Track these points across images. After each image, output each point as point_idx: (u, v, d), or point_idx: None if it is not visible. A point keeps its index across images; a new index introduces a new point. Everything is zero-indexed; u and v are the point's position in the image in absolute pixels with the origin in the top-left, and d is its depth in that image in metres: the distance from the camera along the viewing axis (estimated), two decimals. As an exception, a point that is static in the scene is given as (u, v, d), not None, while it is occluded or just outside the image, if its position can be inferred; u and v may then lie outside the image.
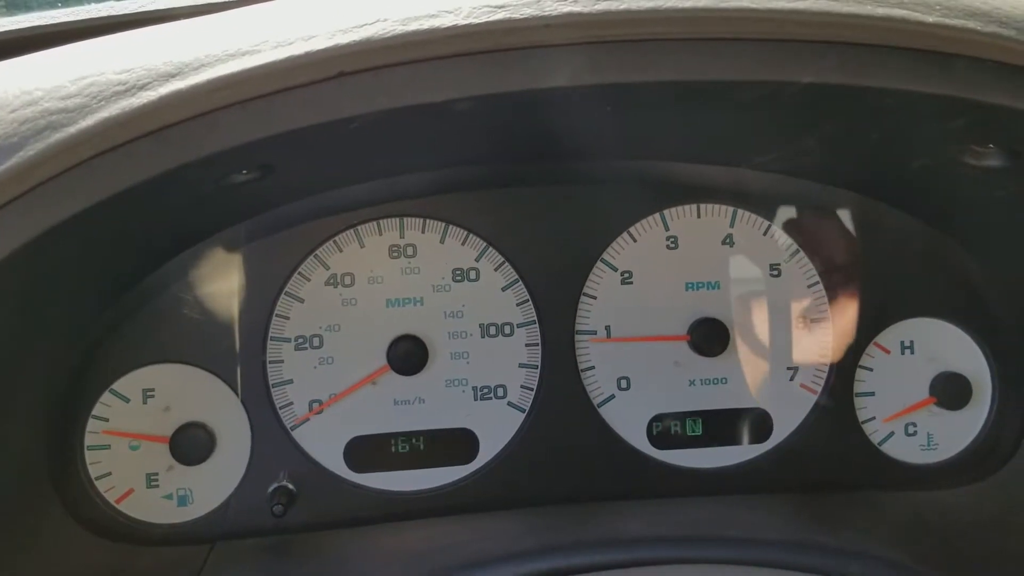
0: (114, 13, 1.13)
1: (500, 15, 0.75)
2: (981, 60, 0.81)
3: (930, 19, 0.78)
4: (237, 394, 1.24)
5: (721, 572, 0.98)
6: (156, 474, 1.23)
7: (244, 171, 0.92)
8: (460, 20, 0.75)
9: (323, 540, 1.21)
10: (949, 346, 1.31)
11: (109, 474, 1.21)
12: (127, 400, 1.22)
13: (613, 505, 1.24)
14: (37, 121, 0.72)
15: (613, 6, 0.75)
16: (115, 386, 1.22)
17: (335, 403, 1.25)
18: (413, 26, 0.75)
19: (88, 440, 1.21)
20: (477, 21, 0.75)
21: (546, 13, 0.75)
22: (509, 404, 1.28)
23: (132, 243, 1.06)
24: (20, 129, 0.72)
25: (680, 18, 0.76)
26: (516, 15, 0.75)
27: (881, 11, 0.78)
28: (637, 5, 0.75)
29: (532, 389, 1.28)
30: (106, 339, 1.20)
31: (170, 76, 0.74)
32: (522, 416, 1.28)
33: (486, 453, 1.28)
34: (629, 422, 1.30)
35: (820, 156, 1.16)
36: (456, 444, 1.28)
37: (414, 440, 1.27)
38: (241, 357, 1.24)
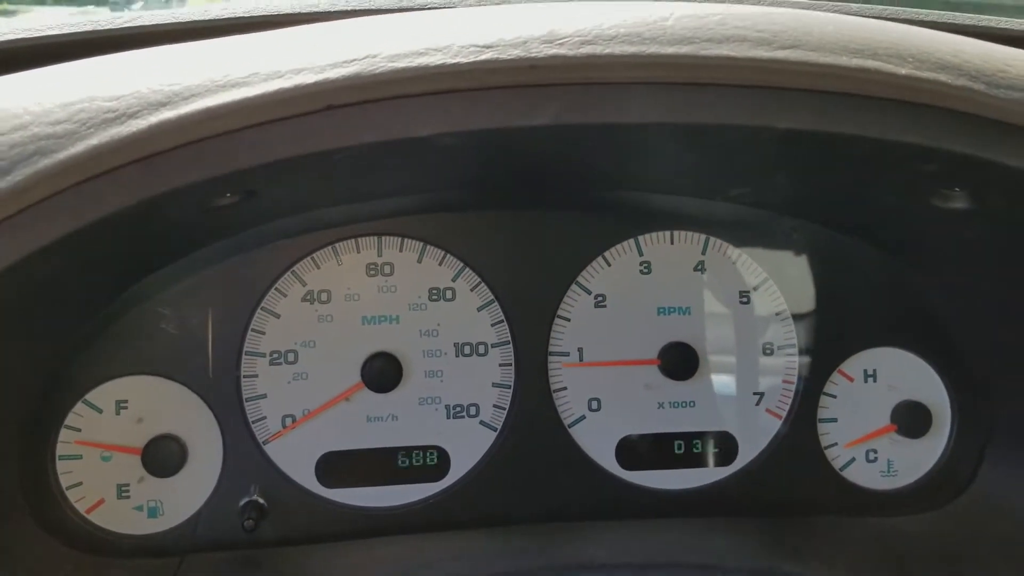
0: (110, 27, 1.12)
1: (487, 55, 0.77)
2: (951, 111, 0.83)
3: (902, 71, 0.81)
4: (210, 408, 1.25)
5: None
6: (127, 485, 1.23)
7: (228, 195, 0.93)
8: (448, 59, 0.77)
9: (293, 555, 1.22)
10: (910, 375, 1.35)
11: (80, 484, 1.21)
12: (100, 411, 1.22)
13: (581, 525, 1.26)
14: (26, 146, 0.73)
15: (597, 50, 0.77)
16: (88, 396, 1.21)
17: (308, 419, 1.26)
18: (402, 63, 0.77)
19: (60, 450, 1.20)
20: (465, 60, 0.77)
21: (532, 55, 0.77)
22: (481, 423, 1.30)
23: (112, 261, 1.07)
24: (9, 153, 0.73)
25: (662, 64, 0.78)
26: (503, 55, 0.77)
27: (855, 62, 0.81)
28: (621, 50, 0.77)
29: (504, 408, 1.30)
30: (81, 350, 1.20)
31: (160, 105, 0.75)
32: (494, 435, 1.30)
33: (457, 471, 1.29)
34: (598, 443, 1.32)
35: (791, 192, 1.19)
36: (427, 462, 1.29)
37: (385, 457, 1.28)
38: (215, 371, 1.24)
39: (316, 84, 0.76)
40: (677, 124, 0.82)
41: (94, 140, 0.73)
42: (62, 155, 0.72)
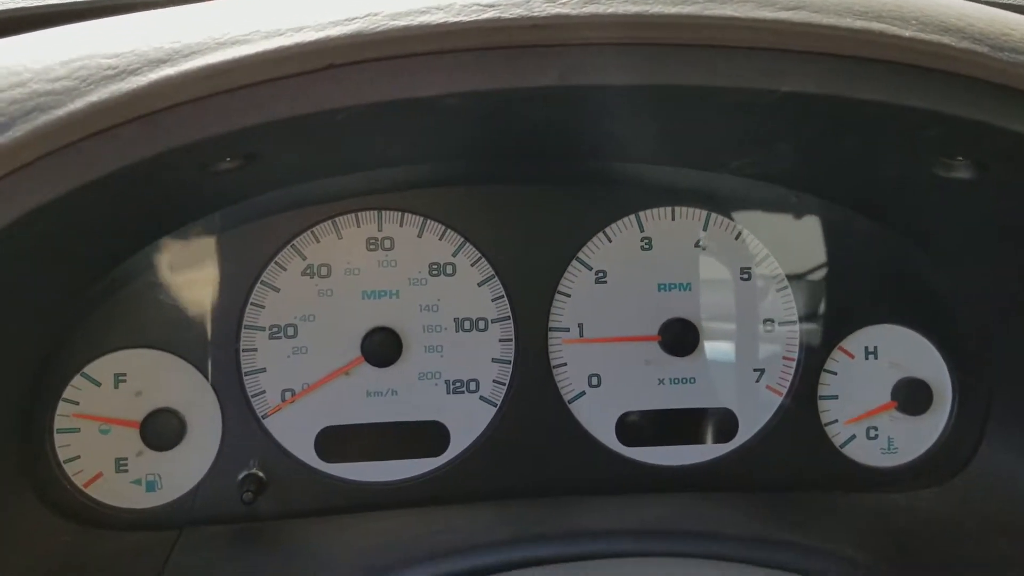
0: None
1: (489, 14, 0.76)
2: (955, 75, 0.83)
3: (906, 33, 0.80)
4: (209, 381, 1.24)
5: (682, 566, 1.00)
6: (125, 459, 1.23)
7: (228, 159, 0.92)
8: (450, 17, 0.76)
9: (292, 528, 1.22)
10: (911, 353, 1.35)
11: (78, 457, 1.21)
12: (98, 384, 1.22)
13: (580, 500, 1.26)
14: (26, 103, 0.72)
15: (600, 9, 0.77)
16: (87, 370, 1.21)
17: (308, 393, 1.26)
18: (403, 21, 0.76)
19: (58, 423, 1.20)
20: (467, 19, 0.76)
21: (534, 14, 0.76)
22: (481, 398, 1.30)
23: (110, 227, 1.06)
24: (8, 110, 0.72)
25: (663, 24, 0.78)
26: (505, 15, 0.76)
27: (859, 24, 0.80)
28: (624, 9, 0.77)
29: (504, 384, 1.30)
30: (79, 322, 1.20)
31: (160, 62, 0.74)
32: (493, 410, 1.30)
33: (457, 446, 1.29)
34: (598, 419, 1.32)
35: (793, 163, 1.18)
36: (427, 437, 1.29)
37: (385, 431, 1.28)
38: (214, 344, 1.24)
39: (317, 42, 0.75)
40: (680, 86, 0.81)
41: (94, 97, 0.73)
42: (61, 112, 0.72)
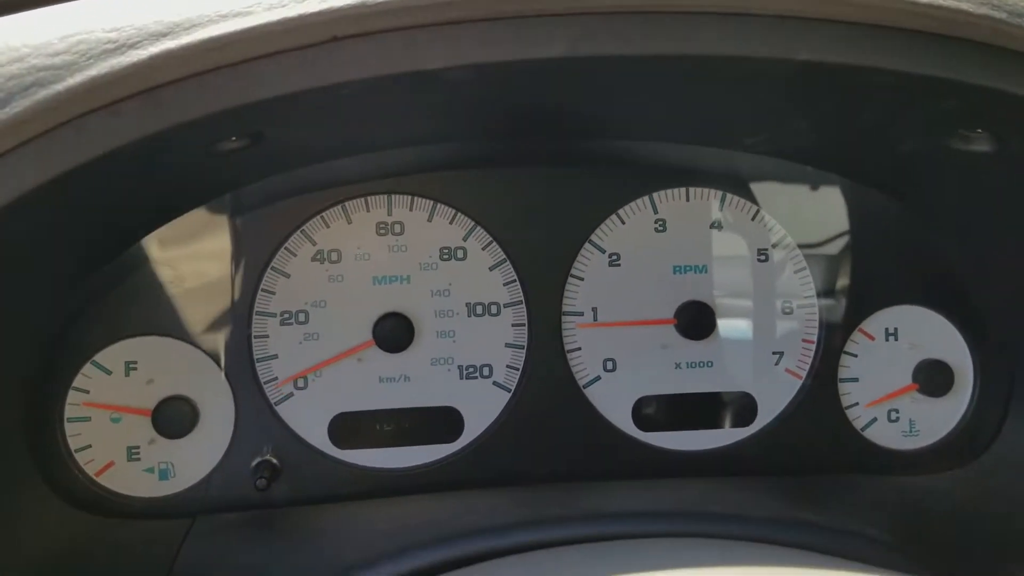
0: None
1: (498, -18, 0.75)
2: (972, 42, 0.81)
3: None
4: (221, 368, 1.23)
5: (703, 547, 0.98)
6: (137, 447, 1.22)
7: (234, 138, 0.91)
8: (456, -14, 0.75)
9: (306, 515, 1.21)
10: (932, 334, 1.32)
11: (89, 446, 1.20)
12: (109, 372, 1.21)
13: (596, 485, 1.24)
14: (24, 78, 0.71)
15: (610, -24, 0.75)
16: (97, 358, 1.20)
17: (320, 379, 1.25)
18: (409, -9, 0.75)
19: (68, 412, 1.19)
20: (474, -12, 0.75)
21: (542, -19, 0.75)
22: (495, 383, 1.28)
23: (118, 210, 1.05)
24: (7, 85, 0.71)
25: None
26: (512, -18, 0.75)
27: (876, -11, 0.78)
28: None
29: (518, 369, 1.28)
30: (89, 310, 1.19)
31: (161, 35, 0.73)
32: (507, 396, 1.28)
33: (471, 432, 1.28)
34: (614, 403, 1.30)
35: (810, 138, 1.16)
36: (441, 422, 1.27)
37: (399, 418, 1.26)
38: (226, 331, 1.23)
39: (320, 13, 0.74)
40: (692, 56, 0.79)
41: (93, 71, 0.71)
42: (60, 86, 0.71)
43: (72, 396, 1.20)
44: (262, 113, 0.81)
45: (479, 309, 1.28)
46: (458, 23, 0.76)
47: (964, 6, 0.80)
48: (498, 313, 1.28)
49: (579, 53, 0.78)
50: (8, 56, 0.73)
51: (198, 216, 1.20)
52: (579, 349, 1.29)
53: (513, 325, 1.28)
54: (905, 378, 1.32)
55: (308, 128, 0.98)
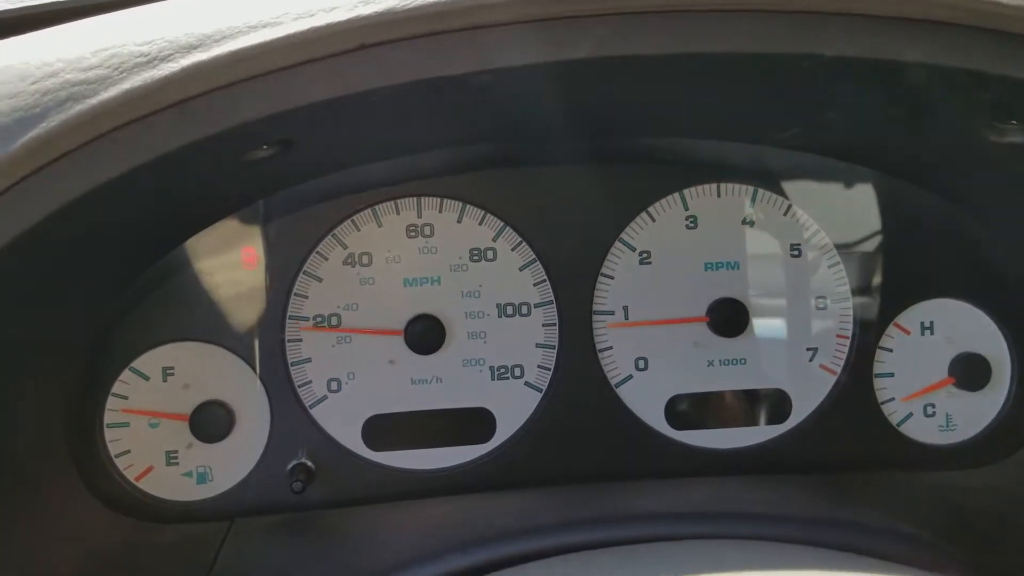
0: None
1: (524, -14, 0.75)
2: (1006, 33, 0.80)
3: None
4: (256, 372, 1.24)
5: (739, 549, 0.97)
6: (176, 452, 1.24)
7: (265, 146, 0.92)
8: (483, -9, 0.75)
9: (341, 517, 1.22)
10: (969, 327, 1.30)
11: (129, 452, 1.22)
12: (147, 378, 1.22)
13: (631, 485, 1.24)
14: (58, 93, 0.72)
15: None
16: (135, 364, 1.22)
17: (353, 382, 1.26)
18: (435, -3, 0.75)
19: (108, 418, 1.21)
20: (500, -8, 0.75)
21: (570, -16, 0.75)
22: (526, 384, 1.28)
23: (152, 220, 1.07)
24: (42, 100, 0.72)
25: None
26: (539, -14, 0.75)
27: (905, -18, 0.77)
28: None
29: (549, 369, 1.28)
30: (126, 317, 1.20)
31: (192, 48, 0.74)
32: (539, 396, 1.28)
33: (503, 432, 1.28)
34: (647, 402, 1.30)
35: (840, 132, 1.15)
36: (473, 423, 1.28)
37: (431, 419, 1.27)
38: (260, 336, 1.24)
39: (348, 21, 0.74)
40: (718, 54, 0.79)
41: (127, 84, 0.72)
42: (95, 100, 0.72)
43: (111, 402, 1.22)
44: (292, 121, 0.82)
45: (510, 309, 1.28)
46: (485, 27, 0.76)
47: (997, -3, 0.79)
48: (528, 313, 1.28)
49: (607, 54, 0.78)
50: (43, 71, 0.74)
51: (231, 223, 1.21)
52: (610, 348, 1.29)
53: (544, 325, 1.28)
54: (941, 372, 1.31)
55: (338, 134, 0.98)
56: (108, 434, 1.21)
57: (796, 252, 1.30)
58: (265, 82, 0.75)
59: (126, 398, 1.22)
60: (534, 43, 0.76)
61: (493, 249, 1.28)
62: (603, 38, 0.76)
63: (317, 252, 1.25)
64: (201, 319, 1.23)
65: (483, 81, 0.80)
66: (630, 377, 1.29)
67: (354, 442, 1.26)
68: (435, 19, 0.75)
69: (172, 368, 1.23)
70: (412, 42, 0.76)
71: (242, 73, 0.74)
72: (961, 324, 1.31)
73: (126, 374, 1.22)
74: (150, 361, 1.23)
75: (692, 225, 1.29)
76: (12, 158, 0.72)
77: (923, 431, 1.31)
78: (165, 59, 0.73)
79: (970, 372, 1.30)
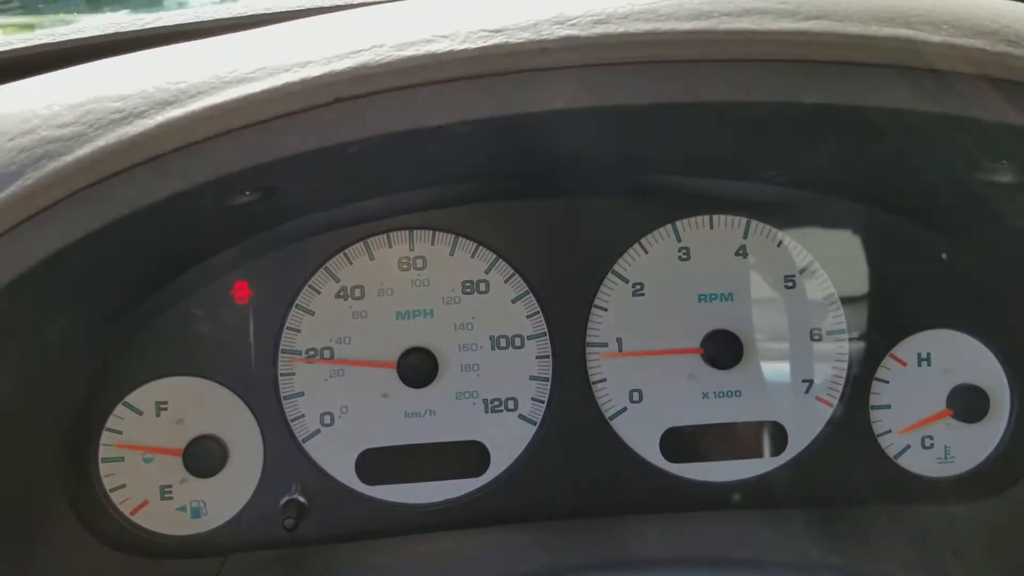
0: (118, 31, 1.13)
1: (496, 40, 0.75)
2: (990, 79, 0.79)
3: (936, 39, 0.76)
4: (249, 407, 1.25)
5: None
6: (170, 486, 1.24)
7: (247, 192, 0.92)
8: (456, 45, 0.75)
9: (334, 553, 1.22)
10: (966, 358, 1.29)
11: (123, 486, 1.22)
12: (140, 413, 1.23)
13: (626, 519, 1.23)
14: (35, 150, 0.73)
15: (611, 29, 0.75)
16: (129, 399, 1.22)
17: (346, 415, 1.26)
18: (409, 51, 0.75)
19: (102, 452, 1.22)
20: (473, 46, 0.75)
21: (543, 37, 0.74)
22: (520, 417, 1.28)
23: (140, 260, 1.07)
24: (18, 158, 0.73)
25: (678, 41, 0.75)
26: (513, 39, 0.75)
27: (887, 31, 0.76)
28: (635, 28, 0.75)
29: (543, 402, 1.28)
30: (119, 352, 1.21)
31: (167, 103, 0.74)
32: (533, 429, 1.28)
33: (497, 466, 1.27)
34: (642, 435, 1.29)
35: (830, 170, 1.14)
36: (467, 457, 1.27)
37: (425, 453, 1.27)
38: (252, 370, 1.24)
39: (323, 77, 0.74)
40: (698, 104, 0.78)
41: (101, 142, 0.73)
42: (69, 158, 0.72)
43: (106, 437, 1.22)
44: (271, 172, 0.82)
45: (503, 342, 1.28)
46: (458, 80, 0.76)
47: (980, 44, 0.78)
48: (522, 345, 1.28)
49: (583, 104, 0.78)
50: (20, 128, 0.75)
51: (222, 258, 1.21)
52: (604, 380, 1.29)
53: (537, 357, 1.28)
54: (939, 404, 1.29)
55: (319, 181, 0.98)
56: (103, 468, 1.22)
57: (790, 283, 1.29)
58: (241, 136, 0.75)
59: (120, 432, 1.22)
60: (508, 95, 0.76)
61: (486, 281, 1.28)
62: (579, 90, 0.76)
63: (309, 286, 1.25)
64: (194, 354, 1.23)
65: (461, 131, 0.80)
66: (624, 409, 1.29)
67: (348, 476, 1.26)
68: (409, 73, 0.75)
69: (165, 403, 1.23)
70: (387, 95, 0.76)
71: (217, 128, 0.74)
72: (959, 355, 1.29)
73: (120, 409, 1.22)
74: (143, 396, 1.23)
75: (685, 256, 1.29)
76: (-9, 213, 0.72)
77: (921, 463, 1.30)
78: (140, 115, 0.74)
79: (968, 404, 1.28)
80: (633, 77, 0.76)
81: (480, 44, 0.75)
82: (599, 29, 0.75)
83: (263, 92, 0.74)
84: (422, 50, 0.75)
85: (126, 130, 0.73)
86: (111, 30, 1.14)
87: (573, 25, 0.75)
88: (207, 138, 0.74)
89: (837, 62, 0.78)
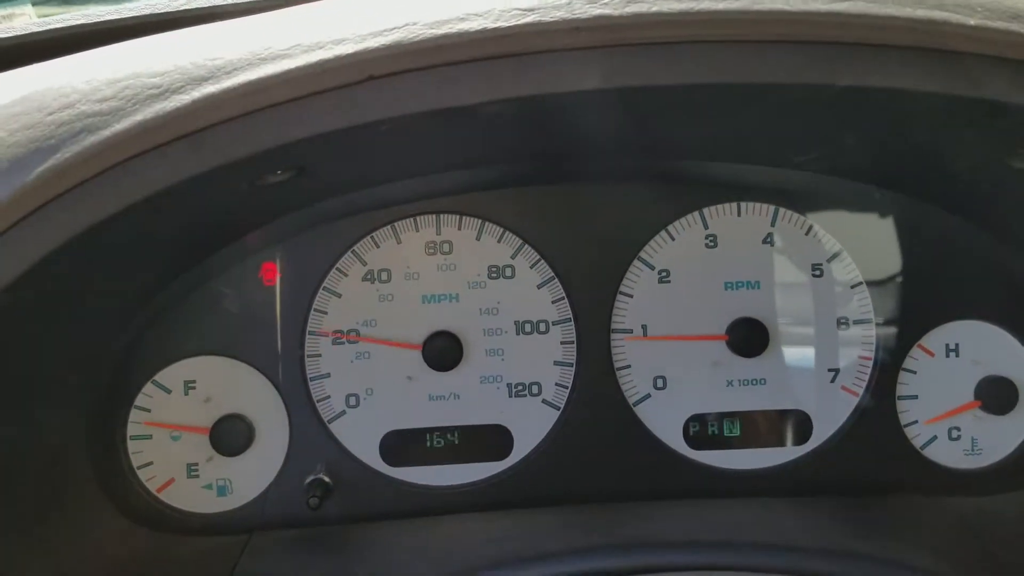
0: (153, 12, 1.15)
1: (529, 18, 0.75)
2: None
3: (972, 22, 0.76)
4: (276, 387, 1.26)
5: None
6: (196, 464, 1.25)
7: (278, 172, 0.92)
8: (489, 23, 0.75)
9: (357, 532, 1.23)
10: (995, 349, 1.28)
11: (150, 464, 1.24)
12: (169, 391, 1.24)
13: (648, 505, 1.23)
14: (73, 124, 0.74)
15: (644, 8, 0.75)
16: (157, 377, 1.24)
17: (371, 397, 1.26)
18: (442, 29, 0.75)
19: (130, 430, 1.23)
20: (506, 24, 0.75)
21: (576, 16, 0.75)
22: (544, 401, 1.28)
23: (172, 239, 1.08)
24: (57, 132, 0.73)
25: (712, 20, 0.75)
26: (546, 18, 0.75)
27: (921, 13, 0.76)
28: (668, 7, 0.75)
29: (567, 387, 1.28)
30: (149, 331, 1.22)
31: (203, 80, 0.75)
32: (557, 414, 1.28)
33: (520, 450, 1.28)
34: (665, 422, 1.29)
35: (862, 156, 1.13)
36: (490, 440, 1.28)
37: (449, 435, 1.28)
38: (280, 351, 1.25)
39: (356, 54, 0.75)
40: (730, 84, 0.78)
41: (139, 116, 0.74)
42: (108, 132, 0.73)
43: (134, 415, 1.24)
44: (304, 150, 0.83)
45: (528, 327, 1.28)
46: (491, 59, 0.76)
47: (1015, 27, 0.78)
48: (547, 331, 1.28)
49: (615, 85, 0.78)
50: (59, 102, 0.75)
51: (251, 239, 1.22)
52: (628, 367, 1.29)
53: (562, 343, 1.28)
54: (967, 395, 1.28)
55: (351, 160, 0.99)
56: (131, 446, 1.23)
57: (818, 272, 1.29)
58: (275, 113, 0.76)
59: (148, 411, 1.24)
60: (541, 74, 0.76)
61: (512, 267, 1.28)
62: (612, 70, 0.76)
63: (337, 268, 1.26)
64: (222, 333, 1.25)
65: (492, 110, 0.80)
66: (648, 396, 1.29)
67: (372, 457, 1.27)
68: (442, 51, 0.75)
69: (194, 382, 1.25)
70: (420, 73, 0.76)
71: (252, 105, 0.75)
72: (988, 346, 1.28)
73: (149, 387, 1.24)
74: (172, 375, 1.24)
75: (712, 244, 1.28)
76: (31, 187, 0.73)
77: (947, 455, 1.29)
78: (177, 91, 0.74)
79: (997, 395, 1.27)
80: (666, 57, 0.76)
81: (513, 23, 0.75)
82: (632, 8, 0.75)
83: (297, 69, 0.75)
84: (455, 28, 0.75)
85: (163, 105, 0.74)
86: (147, 11, 1.15)
87: (606, 4, 0.75)
88: (242, 114, 0.75)
89: (871, 44, 0.77)
